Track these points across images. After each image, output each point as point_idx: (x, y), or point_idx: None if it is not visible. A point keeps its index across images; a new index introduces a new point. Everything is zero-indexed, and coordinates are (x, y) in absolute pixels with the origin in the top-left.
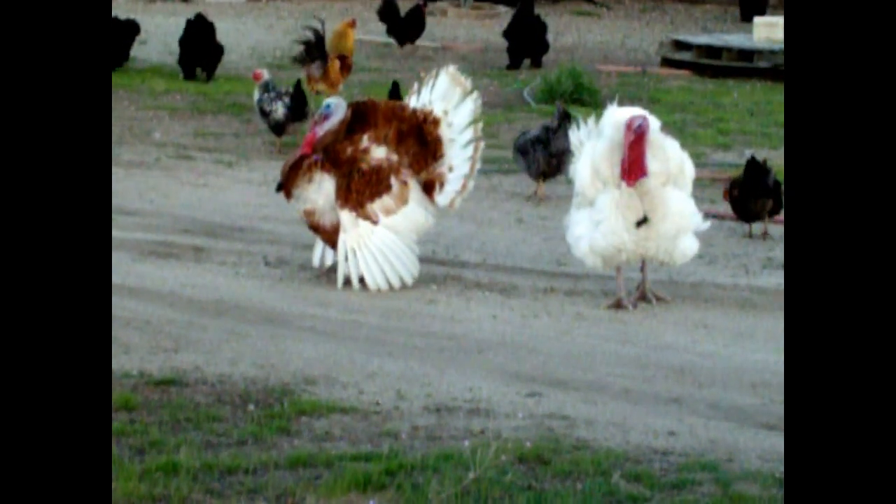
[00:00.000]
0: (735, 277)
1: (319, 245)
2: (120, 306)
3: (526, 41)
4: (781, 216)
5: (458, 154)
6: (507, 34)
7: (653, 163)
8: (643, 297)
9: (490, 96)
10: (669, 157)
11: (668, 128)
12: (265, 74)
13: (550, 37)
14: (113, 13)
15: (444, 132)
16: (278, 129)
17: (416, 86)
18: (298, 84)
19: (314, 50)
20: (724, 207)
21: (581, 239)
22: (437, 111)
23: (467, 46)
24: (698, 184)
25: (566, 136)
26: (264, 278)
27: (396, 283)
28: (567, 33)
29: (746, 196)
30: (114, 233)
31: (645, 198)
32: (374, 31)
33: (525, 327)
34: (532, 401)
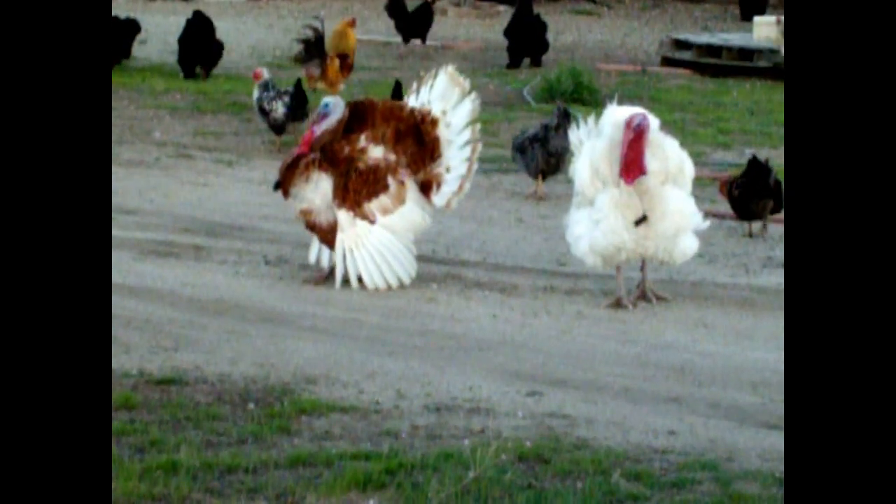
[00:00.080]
0: (735, 276)
1: (316, 244)
2: (120, 305)
3: (526, 40)
4: (781, 215)
5: (456, 155)
6: (507, 33)
7: (652, 162)
8: (643, 297)
9: (490, 95)
10: (669, 156)
11: (667, 127)
12: (265, 73)
13: (550, 36)
14: (113, 12)
15: (443, 132)
16: (278, 128)
17: (414, 85)
18: (298, 83)
19: (313, 49)
20: (724, 206)
21: (581, 238)
22: (436, 111)
23: (467, 45)
24: (698, 183)
25: (565, 134)
26: (264, 277)
27: (394, 283)
28: (567, 32)
29: (747, 196)
30: (114, 232)
31: (644, 197)
32: (374, 31)
33: (525, 326)
34: (532, 400)
